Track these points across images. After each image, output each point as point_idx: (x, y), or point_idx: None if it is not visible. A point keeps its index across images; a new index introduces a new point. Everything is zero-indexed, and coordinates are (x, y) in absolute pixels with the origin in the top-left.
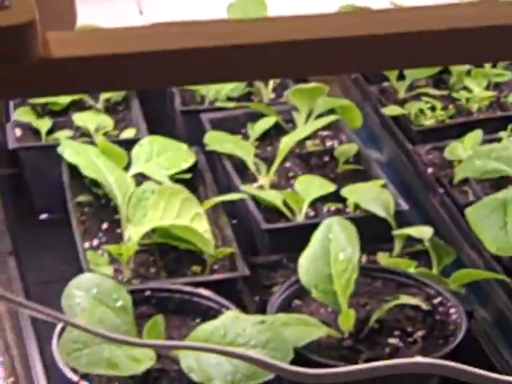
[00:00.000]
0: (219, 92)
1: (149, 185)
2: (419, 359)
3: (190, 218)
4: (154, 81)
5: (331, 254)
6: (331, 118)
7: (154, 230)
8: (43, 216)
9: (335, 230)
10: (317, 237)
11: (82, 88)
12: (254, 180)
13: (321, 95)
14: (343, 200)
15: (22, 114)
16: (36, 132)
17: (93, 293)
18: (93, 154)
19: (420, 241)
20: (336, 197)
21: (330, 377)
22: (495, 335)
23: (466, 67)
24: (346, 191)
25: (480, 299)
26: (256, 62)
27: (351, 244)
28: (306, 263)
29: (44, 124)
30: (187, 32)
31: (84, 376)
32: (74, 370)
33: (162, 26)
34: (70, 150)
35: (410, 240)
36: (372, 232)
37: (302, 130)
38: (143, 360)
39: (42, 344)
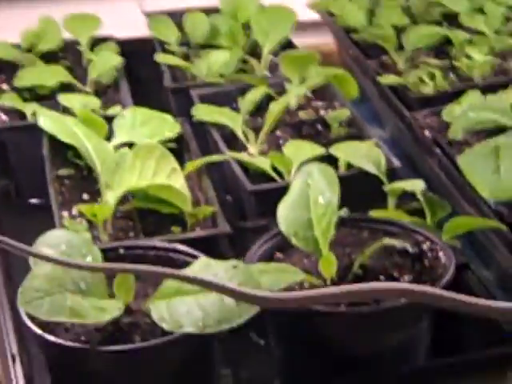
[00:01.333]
0: (210, 69)
1: (127, 149)
2: (392, 284)
3: (167, 175)
4: None
5: (310, 199)
6: (318, 79)
7: (133, 196)
8: (31, 200)
9: (314, 176)
10: (296, 184)
11: None
12: (244, 150)
13: (312, 63)
14: (335, 163)
15: (7, 99)
16: (22, 116)
17: (61, 249)
18: (71, 123)
19: (415, 199)
20: (328, 161)
21: (299, 300)
22: (493, 289)
23: (467, 36)
24: (336, 149)
25: (476, 252)
26: None
27: (331, 188)
28: (285, 211)
29: (30, 107)
30: None
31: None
32: (34, 319)
33: None
34: (47, 118)
35: (405, 198)
36: (365, 190)
37: (290, 94)
38: (109, 310)
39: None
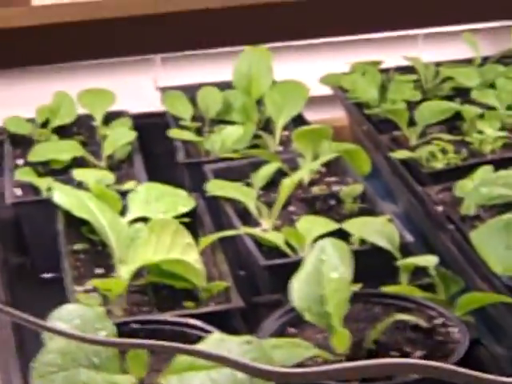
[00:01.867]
0: (224, 144)
1: (142, 225)
2: (403, 359)
3: (181, 250)
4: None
5: (324, 274)
6: (331, 155)
7: (148, 271)
8: (45, 275)
9: (328, 251)
10: (309, 259)
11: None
12: (257, 225)
13: (325, 138)
14: (348, 239)
15: (22, 174)
16: (37, 191)
17: (75, 323)
18: (86, 198)
19: (428, 275)
20: (341, 236)
21: (313, 375)
22: (505, 366)
23: (479, 111)
24: (349, 225)
25: (488, 327)
26: None
27: (344, 264)
28: (299, 286)
29: (44, 182)
30: None
31: None
32: None
33: None
34: (62, 193)
35: (418, 273)
36: (378, 266)
37: (304, 170)
38: None
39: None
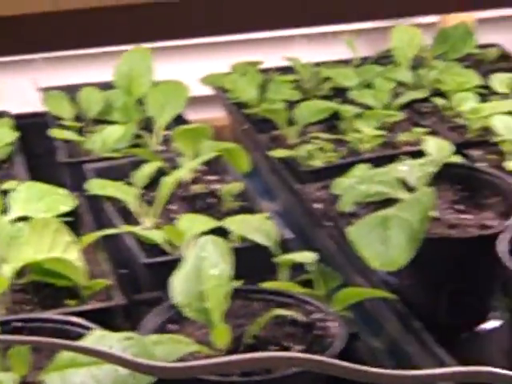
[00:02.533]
0: (105, 144)
1: (23, 224)
2: (281, 353)
3: (63, 249)
4: None
5: (204, 271)
6: (211, 153)
7: (30, 269)
8: None
9: (207, 248)
10: (189, 256)
11: None
12: (138, 223)
13: (205, 137)
14: (228, 236)
15: None
16: None
17: None
18: None
19: (306, 271)
20: (221, 234)
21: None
22: (383, 358)
23: (356, 110)
24: (228, 222)
25: (366, 321)
26: None
27: (224, 260)
28: (178, 283)
29: None
30: None
31: None
32: None
33: None
34: None
35: (297, 270)
36: (258, 262)
37: (184, 169)
38: (5, 383)
39: None
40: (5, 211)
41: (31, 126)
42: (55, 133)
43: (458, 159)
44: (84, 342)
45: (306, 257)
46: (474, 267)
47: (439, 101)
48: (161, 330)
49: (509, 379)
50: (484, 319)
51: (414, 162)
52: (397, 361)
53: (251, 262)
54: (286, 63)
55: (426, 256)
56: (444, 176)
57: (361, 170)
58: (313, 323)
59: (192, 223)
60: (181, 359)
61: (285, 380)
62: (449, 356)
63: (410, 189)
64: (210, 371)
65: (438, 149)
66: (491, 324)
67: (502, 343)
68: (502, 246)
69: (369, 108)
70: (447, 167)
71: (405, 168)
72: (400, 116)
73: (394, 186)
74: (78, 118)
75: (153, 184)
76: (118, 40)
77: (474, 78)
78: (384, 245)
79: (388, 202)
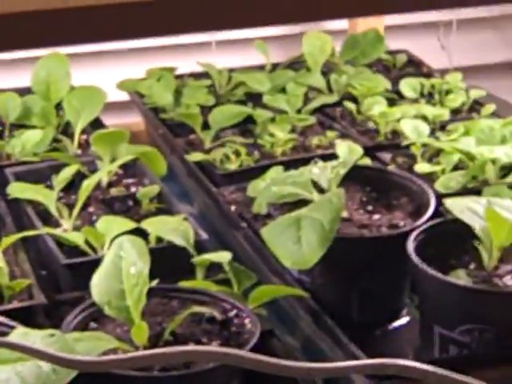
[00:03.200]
0: (24, 148)
1: None
2: (197, 347)
3: None
4: None
5: (123, 270)
6: (128, 157)
7: None
8: None
9: (126, 248)
10: (108, 256)
11: None
12: (58, 226)
13: (122, 141)
14: (146, 237)
15: None
16: None
17: None
18: None
19: (223, 270)
20: (139, 235)
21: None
22: (298, 355)
23: (270, 114)
24: (146, 224)
25: (281, 319)
26: None
27: (142, 259)
28: (98, 282)
29: None
30: None
31: None
32: None
33: None
34: None
35: (214, 269)
36: (175, 262)
37: (102, 172)
38: None
39: None
40: None
41: None
42: None
43: (368, 162)
44: (7, 339)
45: (222, 256)
46: (385, 266)
47: (350, 105)
48: (82, 327)
49: (414, 371)
50: (396, 316)
51: (326, 165)
52: (311, 357)
53: (169, 262)
54: (200, 69)
55: (338, 255)
56: (355, 178)
57: (274, 172)
58: (229, 320)
59: (111, 225)
60: (102, 355)
61: (203, 374)
62: (361, 352)
63: (322, 190)
64: (128, 365)
65: (349, 152)
66: (403, 321)
67: (412, 339)
68: (411, 245)
69: (282, 112)
70: (358, 169)
71: (317, 170)
72: (312, 120)
73: (306, 187)
74: None
75: (72, 187)
76: (32, 44)
77: (383, 83)
78: (296, 244)
79: (301, 203)
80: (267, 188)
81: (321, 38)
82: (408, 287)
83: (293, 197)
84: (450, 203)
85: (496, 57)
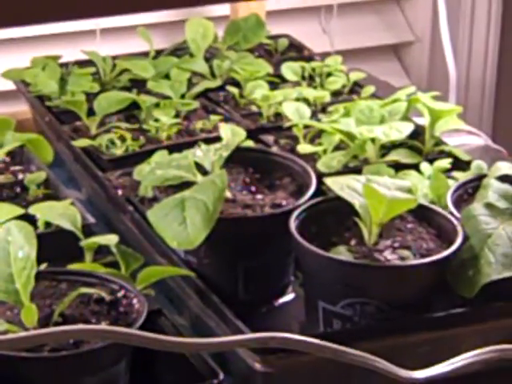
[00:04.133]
0: None
1: None
2: (85, 326)
3: None
4: None
5: (11, 254)
6: (15, 144)
7: None
8: None
9: (13, 233)
10: None
11: None
12: None
13: (8, 129)
14: (35, 223)
15: None
16: None
17: None
18: None
19: (111, 253)
20: (27, 220)
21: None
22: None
23: (154, 100)
24: (34, 209)
25: (170, 299)
26: None
27: (29, 243)
28: None
29: None
30: None
31: None
32: None
33: None
34: None
35: (103, 252)
36: (64, 246)
37: None
38: None
39: None
40: None
41: None
42: None
43: (251, 144)
44: None
45: (109, 239)
46: (269, 245)
47: (233, 89)
48: None
49: (294, 342)
50: (282, 293)
51: (209, 147)
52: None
53: (58, 246)
54: (84, 57)
55: (222, 236)
56: (238, 160)
57: (159, 156)
58: (117, 301)
59: None
60: None
61: (92, 353)
62: (247, 328)
63: (206, 172)
64: (18, 345)
65: (233, 134)
66: (289, 297)
67: (297, 315)
68: (292, 223)
69: (166, 98)
70: (241, 152)
71: (200, 153)
72: (196, 105)
73: (190, 170)
74: None
75: None
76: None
77: (265, 67)
78: (181, 225)
79: (186, 185)
80: (152, 171)
81: (203, 25)
82: (293, 265)
83: (177, 179)
84: (330, 181)
85: (376, 40)
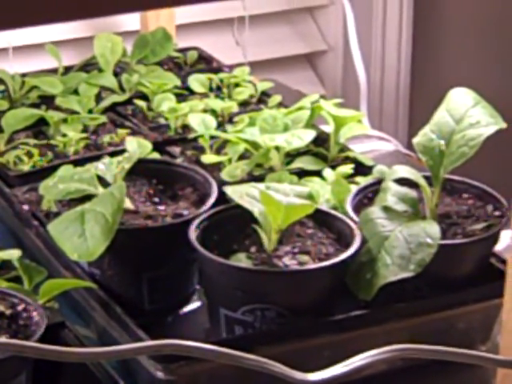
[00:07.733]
0: None
1: None
2: None
3: None
4: None
5: None
6: None
7: None
8: None
9: None
10: None
11: None
12: None
13: None
14: None
15: None
16: None
17: None
18: None
19: (15, 268)
20: None
21: None
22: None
23: (62, 115)
24: None
25: (76, 312)
26: None
27: None
28: None
29: None
30: None
31: None
32: None
33: None
34: None
35: (8, 268)
36: None
37: None
38: None
39: None
40: None
41: None
42: None
43: (157, 156)
44: None
45: (11, 254)
46: (171, 254)
47: (140, 103)
48: None
49: (190, 349)
50: (186, 302)
51: (112, 160)
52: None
53: None
54: None
55: (124, 247)
56: (141, 172)
57: (64, 170)
58: (17, 314)
59: None
60: None
61: None
62: (148, 337)
63: (108, 185)
64: None
65: (139, 147)
66: (193, 305)
67: (202, 322)
68: (192, 233)
69: (74, 113)
70: (144, 163)
71: (102, 166)
72: (103, 119)
73: (91, 183)
74: None
75: None
76: None
77: (173, 80)
78: (81, 237)
79: (88, 198)
80: (54, 186)
81: (111, 40)
82: (197, 273)
83: (79, 193)
84: (230, 190)
85: (290, 49)
